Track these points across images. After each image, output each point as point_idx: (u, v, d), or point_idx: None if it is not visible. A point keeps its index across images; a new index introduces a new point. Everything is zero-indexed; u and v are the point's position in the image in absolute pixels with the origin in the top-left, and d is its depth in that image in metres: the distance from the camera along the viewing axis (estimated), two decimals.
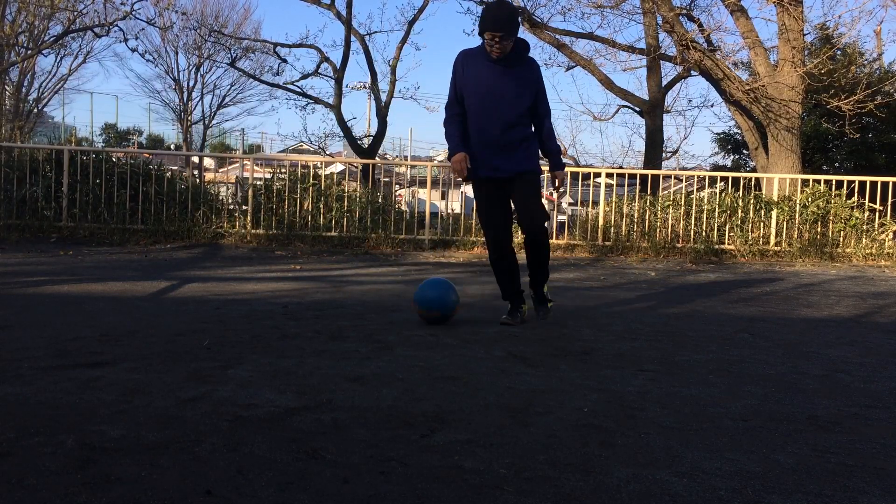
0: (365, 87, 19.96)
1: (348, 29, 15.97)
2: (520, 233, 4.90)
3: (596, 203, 9.59)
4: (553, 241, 9.48)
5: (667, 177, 14.84)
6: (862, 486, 1.93)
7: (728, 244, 9.06)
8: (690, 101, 52.61)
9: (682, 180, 16.75)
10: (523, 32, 13.72)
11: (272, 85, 19.99)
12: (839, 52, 13.94)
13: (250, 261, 7.24)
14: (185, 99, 31.04)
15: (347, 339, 3.56)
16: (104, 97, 52.22)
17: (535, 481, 1.89)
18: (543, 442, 2.18)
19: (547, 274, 4.27)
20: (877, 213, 9.23)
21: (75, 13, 16.12)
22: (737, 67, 13.05)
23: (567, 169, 14.61)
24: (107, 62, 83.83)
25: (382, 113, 16.71)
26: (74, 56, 23.25)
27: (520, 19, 3.94)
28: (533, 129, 4.08)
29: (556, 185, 4.20)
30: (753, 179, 10.81)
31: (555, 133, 4.16)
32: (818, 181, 9.59)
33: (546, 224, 4.22)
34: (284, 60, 18.25)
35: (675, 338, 3.86)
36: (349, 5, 15.85)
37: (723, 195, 9.42)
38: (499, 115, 3.92)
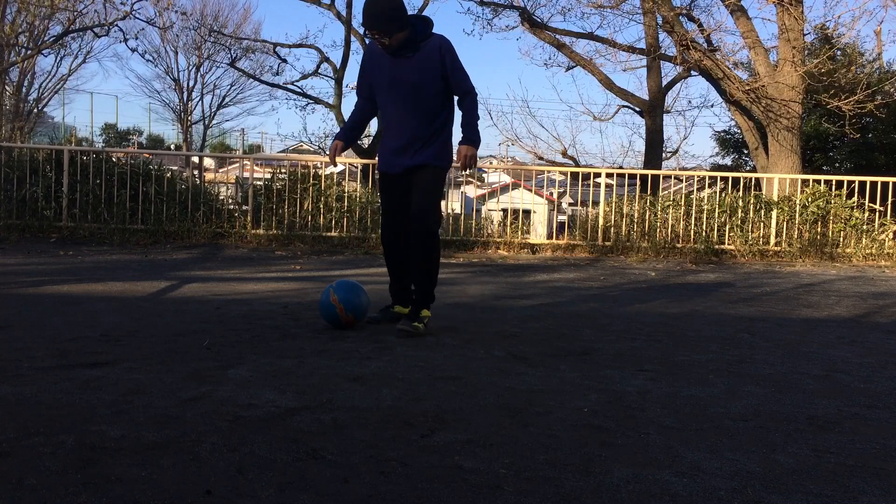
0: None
1: (348, 29, 15.98)
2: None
3: (596, 203, 9.59)
4: (553, 241, 9.48)
5: (667, 177, 14.84)
6: (862, 486, 1.93)
7: (728, 244, 9.06)
8: (690, 101, 52.72)
9: (682, 180, 16.75)
10: (523, 33, 13.72)
11: (272, 85, 20.05)
12: (839, 52, 13.94)
13: (250, 261, 7.24)
14: (185, 99, 31.13)
15: (347, 339, 3.56)
16: (104, 97, 52.33)
17: (535, 481, 1.89)
18: (543, 442, 2.18)
19: (427, 293, 3.79)
20: (877, 214, 9.23)
21: (75, 13, 16.13)
22: (737, 67, 13.05)
23: (567, 169, 14.68)
24: (107, 62, 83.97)
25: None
26: (74, 56, 23.30)
27: (393, 14, 3.53)
28: (444, 122, 3.77)
29: (462, 163, 3.69)
30: (753, 179, 10.81)
31: (476, 110, 3.74)
32: (818, 181, 9.58)
33: (435, 228, 3.76)
34: (284, 60, 18.31)
35: (675, 338, 3.86)
36: (349, 5, 15.88)
37: (723, 195, 9.42)
38: (400, 110, 3.72)
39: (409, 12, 3.68)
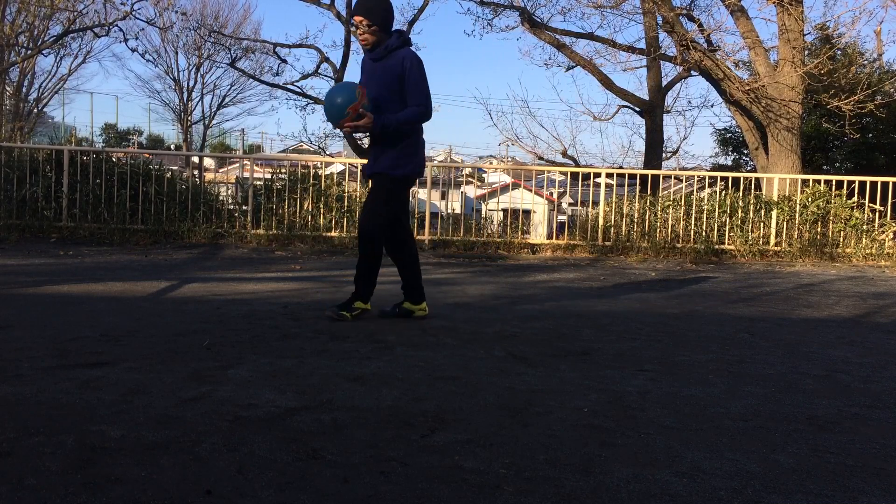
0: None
1: (348, 29, 15.98)
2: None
3: (596, 203, 9.59)
4: (553, 241, 9.48)
5: (667, 177, 14.85)
6: (862, 486, 1.93)
7: (728, 244, 9.05)
8: (690, 101, 52.75)
9: (682, 180, 16.75)
10: (523, 33, 13.72)
11: (272, 85, 20.04)
12: (839, 53, 13.94)
13: (250, 261, 7.23)
14: (185, 99, 31.14)
15: (347, 339, 3.56)
16: (104, 97, 52.47)
17: (535, 481, 1.89)
18: (543, 442, 2.18)
19: (358, 287, 4.06)
20: (877, 214, 9.23)
21: (75, 13, 16.13)
22: (737, 67, 13.05)
23: (567, 169, 14.70)
24: (106, 62, 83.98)
25: None
26: (74, 56, 23.29)
27: (385, 11, 3.83)
28: (403, 134, 3.87)
29: (349, 118, 3.75)
30: (753, 179, 10.81)
31: (411, 118, 3.81)
32: (818, 181, 9.58)
33: (374, 234, 3.93)
34: (284, 61, 18.29)
35: (675, 338, 3.86)
36: (349, 5, 15.86)
37: (723, 195, 9.42)
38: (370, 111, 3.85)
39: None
